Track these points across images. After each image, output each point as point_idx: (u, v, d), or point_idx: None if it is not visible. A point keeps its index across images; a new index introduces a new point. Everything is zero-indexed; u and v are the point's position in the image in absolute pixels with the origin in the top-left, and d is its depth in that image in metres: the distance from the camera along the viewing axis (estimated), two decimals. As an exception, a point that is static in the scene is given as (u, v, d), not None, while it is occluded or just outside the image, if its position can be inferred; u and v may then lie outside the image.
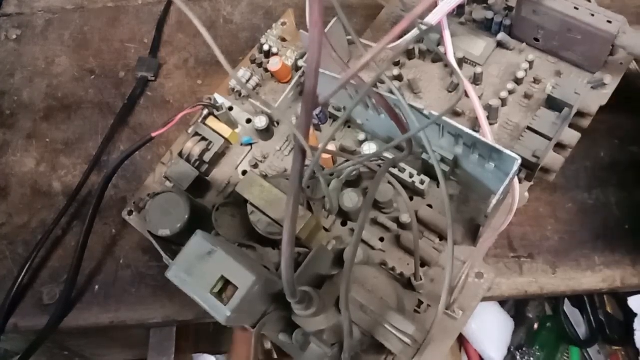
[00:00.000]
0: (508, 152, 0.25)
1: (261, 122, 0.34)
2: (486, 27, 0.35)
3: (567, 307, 0.70)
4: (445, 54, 0.33)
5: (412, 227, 0.28)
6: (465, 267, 0.30)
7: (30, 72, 0.47)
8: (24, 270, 0.37)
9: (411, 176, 0.31)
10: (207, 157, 0.35)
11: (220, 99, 0.37)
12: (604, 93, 0.32)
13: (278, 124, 0.36)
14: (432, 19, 0.31)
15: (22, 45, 0.49)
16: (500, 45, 0.34)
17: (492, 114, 0.32)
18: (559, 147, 0.30)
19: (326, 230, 0.32)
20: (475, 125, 0.32)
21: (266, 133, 0.35)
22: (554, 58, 0.34)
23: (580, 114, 0.30)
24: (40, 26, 0.49)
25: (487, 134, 0.29)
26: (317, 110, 0.34)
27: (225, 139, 0.35)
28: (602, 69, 0.32)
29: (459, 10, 0.35)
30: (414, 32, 0.31)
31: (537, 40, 0.33)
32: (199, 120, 0.35)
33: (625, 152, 0.35)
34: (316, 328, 0.25)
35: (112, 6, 0.49)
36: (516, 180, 0.28)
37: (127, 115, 0.43)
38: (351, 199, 0.31)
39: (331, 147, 0.34)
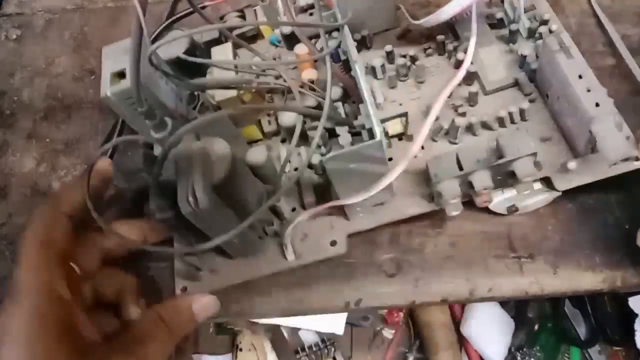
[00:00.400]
0: (376, 127, 0.26)
1: (285, 27, 0.36)
2: (520, 63, 0.34)
3: (568, 307, 0.70)
4: (463, 60, 0.32)
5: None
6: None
7: (30, 72, 0.47)
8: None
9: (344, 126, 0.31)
10: (235, 32, 0.37)
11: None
12: (561, 177, 0.30)
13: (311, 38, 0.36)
14: (451, 7, 0.30)
15: (22, 45, 0.49)
16: (517, 83, 0.34)
17: (451, 132, 0.32)
18: (470, 186, 0.29)
19: (263, 133, 0.35)
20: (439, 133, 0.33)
21: (289, 42, 0.36)
22: (554, 122, 0.32)
23: (512, 174, 0.29)
24: (40, 26, 0.49)
25: (419, 139, 0.29)
26: (332, 48, 0.35)
27: (259, 28, 0.37)
28: (585, 157, 0.30)
29: (499, 22, 0.34)
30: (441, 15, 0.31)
31: (547, 96, 0.32)
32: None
33: (625, 152, 0.35)
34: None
35: (112, 6, 0.49)
36: (392, 171, 0.27)
37: (127, 115, 0.43)
38: (288, 118, 0.32)
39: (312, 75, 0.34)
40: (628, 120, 0.35)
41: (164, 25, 0.37)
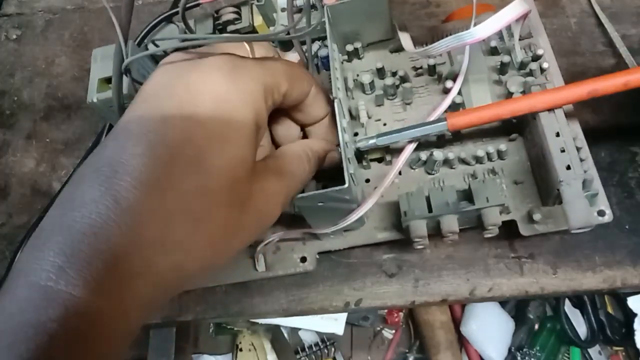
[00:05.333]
0: (346, 174, 0.26)
1: (276, 28, 0.35)
2: (507, 98, 0.32)
3: (568, 307, 0.70)
4: (451, 88, 0.32)
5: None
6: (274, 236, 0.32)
7: (30, 72, 0.47)
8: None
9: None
10: (229, 28, 0.36)
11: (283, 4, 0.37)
12: (526, 224, 0.30)
13: (303, 43, 0.36)
14: (482, 30, 0.28)
15: (22, 45, 0.49)
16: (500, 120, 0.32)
17: (429, 164, 0.32)
18: (437, 225, 0.29)
19: None
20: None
21: (284, 45, 0.36)
22: (529, 164, 0.32)
23: (479, 218, 0.29)
24: (40, 26, 0.49)
25: (394, 170, 0.30)
26: (324, 54, 0.35)
27: (252, 25, 0.36)
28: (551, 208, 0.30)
29: (492, 49, 0.33)
30: (446, 43, 0.30)
31: (527, 138, 0.32)
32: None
33: (625, 152, 0.35)
34: None
35: (113, 6, 0.49)
36: (362, 207, 0.29)
37: (127, 115, 0.43)
38: None
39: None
40: (628, 121, 0.35)
41: (153, 23, 0.37)
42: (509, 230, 0.31)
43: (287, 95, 0.26)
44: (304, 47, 0.35)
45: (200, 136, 0.22)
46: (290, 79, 0.26)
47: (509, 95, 0.32)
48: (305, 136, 0.31)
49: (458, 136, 0.33)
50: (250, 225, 0.24)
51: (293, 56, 0.35)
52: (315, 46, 0.36)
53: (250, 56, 0.28)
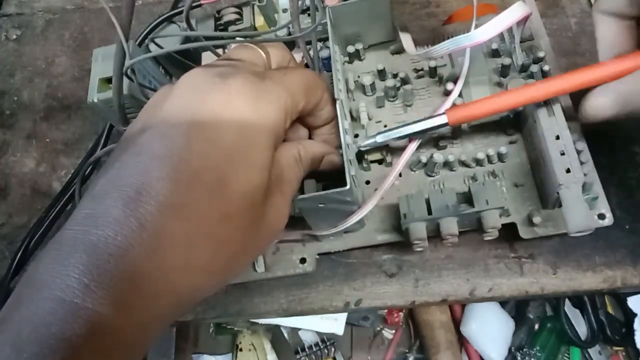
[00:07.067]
0: (348, 176, 0.26)
1: (282, 31, 0.35)
2: None
3: (568, 307, 0.70)
4: (452, 90, 0.32)
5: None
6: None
7: (30, 72, 0.47)
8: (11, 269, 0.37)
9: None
10: (231, 28, 0.37)
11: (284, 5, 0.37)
12: (526, 227, 0.31)
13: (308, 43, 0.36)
14: (482, 33, 0.29)
15: (22, 45, 0.49)
16: (501, 122, 0.33)
17: (429, 166, 0.32)
18: (437, 227, 0.29)
19: None
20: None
21: (289, 44, 0.35)
22: (530, 167, 0.32)
23: (479, 221, 0.29)
24: (40, 26, 0.49)
25: (394, 173, 0.30)
26: (325, 55, 0.35)
27: (254, 26, 0.37)
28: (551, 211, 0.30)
29: (494, 51, 0.33)
30: (447, 45, 0.30)
31: (527, 140, 0.32)
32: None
33: (625, 152, 0.35)
34: None
35: (113, 6, 0.49)
36: (362, 209, 0.29)
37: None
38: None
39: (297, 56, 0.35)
40: (628, 121, 0.35)
41: (154, 23, 0.37)
42: (509, 230, 0.31)
43: (303, 110, 0.27)
44: (308, 47, 0.35)
45: (223, 162, 0.22)
46: (307, 94, 0.27)
47: None
48: (310, 136, 0.31)
49: (458, 137, 0.33)
50: (263, 242, 0.25)
51: (295, 56, 0.35)
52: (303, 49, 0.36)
53: (265, 59, 0.28)
